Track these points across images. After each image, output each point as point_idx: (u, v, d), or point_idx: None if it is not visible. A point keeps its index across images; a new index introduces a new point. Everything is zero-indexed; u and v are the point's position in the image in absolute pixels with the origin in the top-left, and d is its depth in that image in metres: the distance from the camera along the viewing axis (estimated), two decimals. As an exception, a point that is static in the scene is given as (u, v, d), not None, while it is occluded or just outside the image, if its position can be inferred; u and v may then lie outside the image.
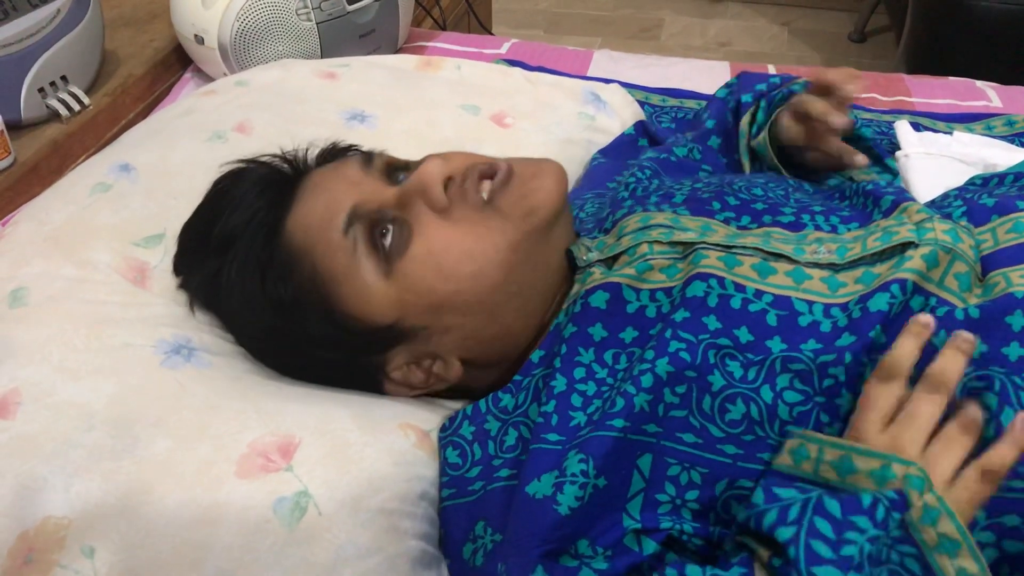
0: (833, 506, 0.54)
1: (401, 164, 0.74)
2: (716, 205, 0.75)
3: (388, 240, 0.68)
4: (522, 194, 0.69)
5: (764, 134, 0.90)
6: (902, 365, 0.58)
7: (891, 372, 0.58)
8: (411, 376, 0.72)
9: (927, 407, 0.57)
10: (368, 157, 0.74)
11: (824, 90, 0.84)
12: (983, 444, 0.56)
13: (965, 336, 0.58)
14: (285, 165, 0.77)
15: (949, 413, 0.57)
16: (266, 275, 0.69)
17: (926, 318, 0.59)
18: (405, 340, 0.70)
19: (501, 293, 0.69)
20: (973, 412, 0.56)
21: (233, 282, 0.71)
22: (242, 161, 0.77)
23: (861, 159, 0.85)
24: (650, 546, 0.60)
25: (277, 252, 0.69)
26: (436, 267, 0.67)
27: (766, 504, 0.55)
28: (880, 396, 0.58)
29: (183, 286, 0.78)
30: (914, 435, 0.56)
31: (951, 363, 0.57)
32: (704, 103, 1.18)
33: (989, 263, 0.66)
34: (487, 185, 0.70)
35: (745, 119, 0.94)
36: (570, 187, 1.01)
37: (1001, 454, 0.54)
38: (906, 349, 0.58)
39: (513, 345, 0.73)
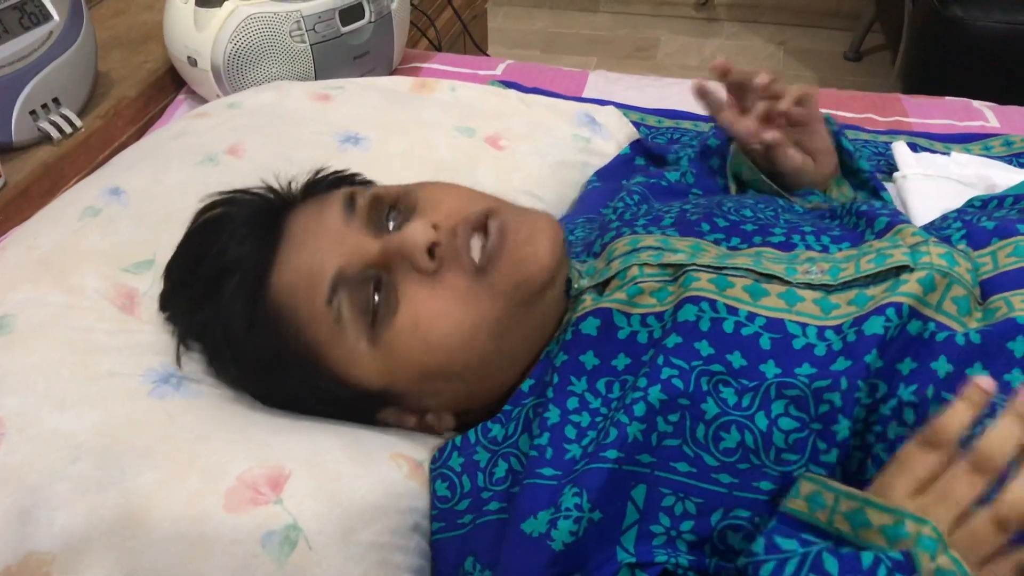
0: (831, 564, 0.51)
1: (389, 199, 0.70)
2: (705, 226, 0.74)
3: (372, 301, 0.65)
4: (514, 263, 0.65)
5: (738, 155, 0.91)
6: (949, 434, 0.53)
7: (937, 440, 0.53)
8: (403, 421, 0.72)
9: (965, 489, 0.52)
10: (351, 199, 0.69)
11: (740, 92, 0.88)
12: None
13: None
14: (271, 195, 0.75)
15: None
16: (251, 333, 0.67)
17: (988, 383, 0.53)
18: (394, 402, 0.70)
19: (492, 357, 0.67)
20: (1014, 507, 0.50)
21: (219, 340, 0.69)
22: (226, 193, 0.75)
23: (772, 135, 0.87)
24: (645, 581, 0.59)
25: (261, 310, 0.67)
26: (423, 340, 0.65)
27: (765, 555, 0.53)
28: (918, 461, 0.54)
29: (171, 320, 0.77)
30: (943, 513, 0.51)
31: (1005, 437, 0.51)
32: (701, 124, 1.18)
33: (990, 287, 0.65)
34: (476, 244, 0.66)
35: (733, 143, 0.94)
36: (564, 210, 1.01)
37: None
38: (958, 418, 0.53)
39: (508, 387, 0.71)
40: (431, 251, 0.65)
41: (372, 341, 0.65)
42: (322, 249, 0.66)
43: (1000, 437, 0.51)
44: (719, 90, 0.90)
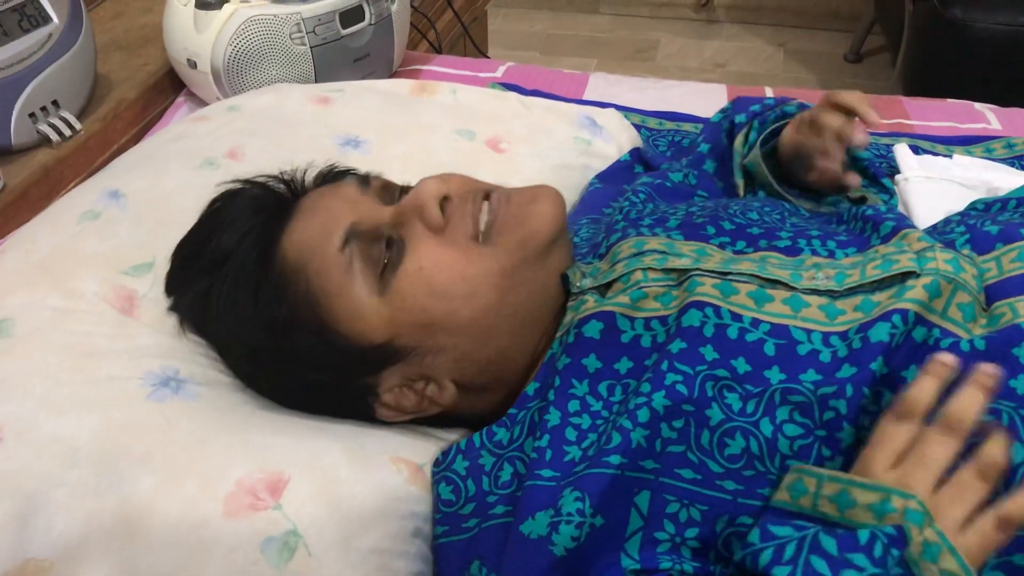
0: (829, 544, 0.52)
1: (397, 187, 0.74)
2: (711, 230, 0.73)
3: (383, 257, 0.67)
4: (519, 220, 0.69)
5: (756, 152, 0.90)
6: (919, 405, 0.56)
7: (907, 411, 0.56)
8: (403, 399, 0.71)
9: (939, 449, 0.54)
10: (365, 179, 0.74)
11: (837, 109, 0.85)
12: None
13: (987, 370, 0.55)
14: (282, 186, 0.76)
15: (968, 451, 0.55)
16: (259, 293, 0.68)
17: (948, 357, 0.57)
18: (398, 360, 0.69)
19: (495, 315, 0.68)
20: (992, 457, 0.53)
21: (225, 300, 0.70)
22: (238, 181, 0.77)
23: (855, 180, 0.86)
24: (649, 588, 0.59)
25: (271, 270, 0.68)
26: (427, 285, 0.66)
27: (762, 543, 0.54)
28: (892, 434, 0.56)
29: (174, 307, 0.77)
30: (924, 476, 0.54)
31: (969, 402, 0.55)
32: (699, 127, 1.18)
33: (994, 293, 0.65)
34: (485, 207, 0.70)
35: (739, 139, 0.94)
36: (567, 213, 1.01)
37: (1020, 504, 0.51)
38: (924, 389, 0.56)
39: (508, 369, 0.71)
40: (441, 206, 0.68)
41: (379, 292, 0.67)
42: (336, 210, 0.69)
43: (966, 400, 0.54)
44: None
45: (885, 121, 1.25)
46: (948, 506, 0.52)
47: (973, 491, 0.53)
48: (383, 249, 0.68)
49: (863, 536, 0.51)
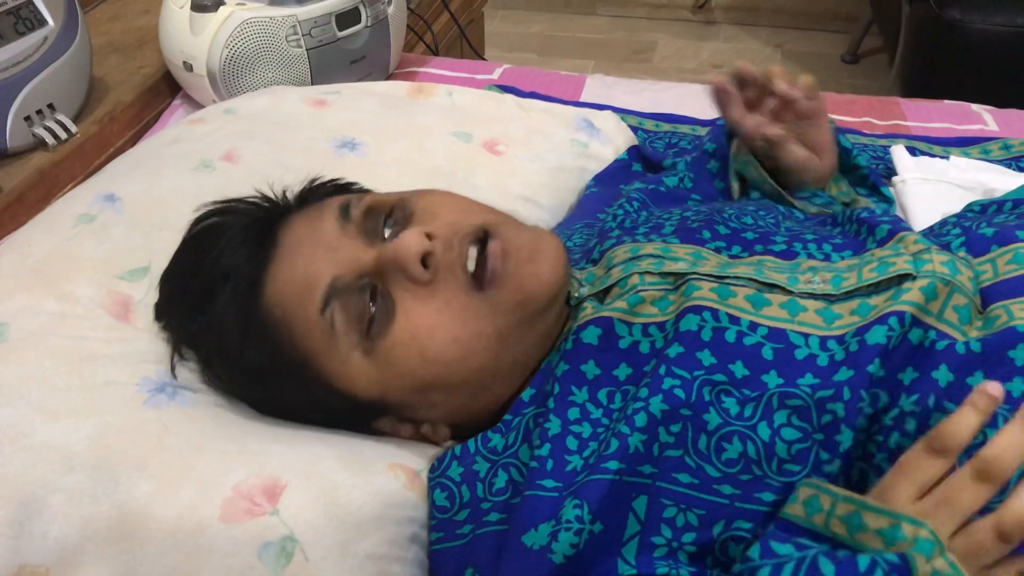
0: (827, 568, 0.50)
1: (385, 209, 0.69)
2: (706, 234, 0.73)
3: (367, 310, 0.64)
4: (516, 284, 0.65)
5: (745, 153, 0.91)
6: (955, 440, 0.52)
7: (942, 445, 0.52)
8: (399, 430, 0.71)
9: (969, 496, 0.51)
10: (346, 208, 0.69)
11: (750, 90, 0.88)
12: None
13: None
14: (266, 205, 0.74)
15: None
16: (245, 344, 0.67)
17: (996, 389, 0.52)
18: (390, 412, 0.69)
19: (489, 373, 0.67)
20: (1017, 518, 0.49)
21: (212, 349, 0.69)
22: (221, 203, 0.75)
23: (775, 130, 0.87)
24: (645, 593, 0.59)
25: (255, 319, 0.66)
26: (419, 352, 0.64)
27: (761, 560, 0.53)
28: (921, 468, 0.53)
29: (165, 329, 0.76)
30: (944, 520, 0.51)
31: (1011, 446, 0.50)
32: (699, 128, 1.18)
33: (989, 295, 0.64)
34: (472, 255, 0.65)
35: (735, 142, 0.93)
36: (563, 216, 1.00)
37: None
38: (964, 424, 0.52)
39: (504, 402, 0.70)
40: (424, 261, 0.64)
41: (366, 351, 0.65)
42: (316, 258, 0.66)
43: (1007, 445, 0.50)
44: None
45: (882, 123, 1.25)
46: (960, 560, 0.49)
47: (990, 551, 0.50)
48: (367, 301, 0.65)
49: (863, 563, 0.49)
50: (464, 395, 0.68)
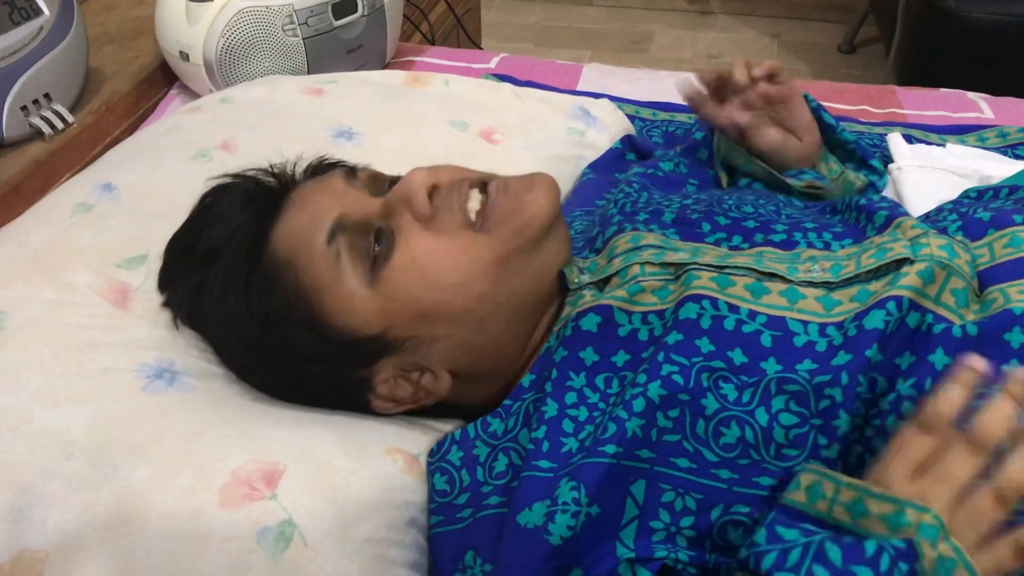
0: (835, 553, 0.50)
1: (386, 177, 0.73)
2: (706, 227, 0.74)
3: (372, 249, 0.67)
4: (514, 209, 0.68)
5: (726, 142, 0.92)
6: (944, 416, 0.53)
7: (931, 422, 0.54)
8: (398, 390, 0.70)
9: (962, 468, 0.52)
10: (352, 171, 0.73)
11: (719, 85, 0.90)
12: None
13: (1021, 378, 0.52)
14: (271, 179, 0.76)
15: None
16: (250, 288, 0.68)
17: (979, 362, 0.54)
18: (392, 351, 0.68)
19: (489, 303, 0.68)
20: (1015, 482, 0.50)
21: (216, 296, 0.70)
22: (228, 175, 0.76)
23: (742, 116, 0.89)
24: (644, 576, 0.59)
25: (261, 265, 0.68)
26: (420, 275, 0.66)
27: (768, 545, 0.53)
28: (913, 444, 0.54)
29: (167, 302, 0.77)
30: (941, 494, 0.51)
31: (1000, 417, 0.52)
32: (693, 116, 1.18)
33: (986, 278, 0.65)
34: (476, 195, 0.69)
35: (717, 133, 0.94)
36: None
37: None
38: (950, 399, 0.53)
39: (503, 358, 0.71)
40: (430, 196, 0.67)
41: (370, 283, 0.66)
42: (323, 202, 0.69)
43: (995, 416, 0.52)
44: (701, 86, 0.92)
45: (879, 111, 1.25)
46: (961, 530, 0.50)
47: (989, 517, 0.51)
48: (372, 241, 0.67)
49: (870, 548, 0.50)
50: (465, 328, 0.68)
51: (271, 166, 0.77)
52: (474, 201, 0.69)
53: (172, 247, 0.77)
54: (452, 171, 0.71)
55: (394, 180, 0.72)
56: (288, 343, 0.69)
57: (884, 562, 0.49)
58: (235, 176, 0.76)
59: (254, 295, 0.68)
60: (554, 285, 0.72)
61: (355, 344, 0.68)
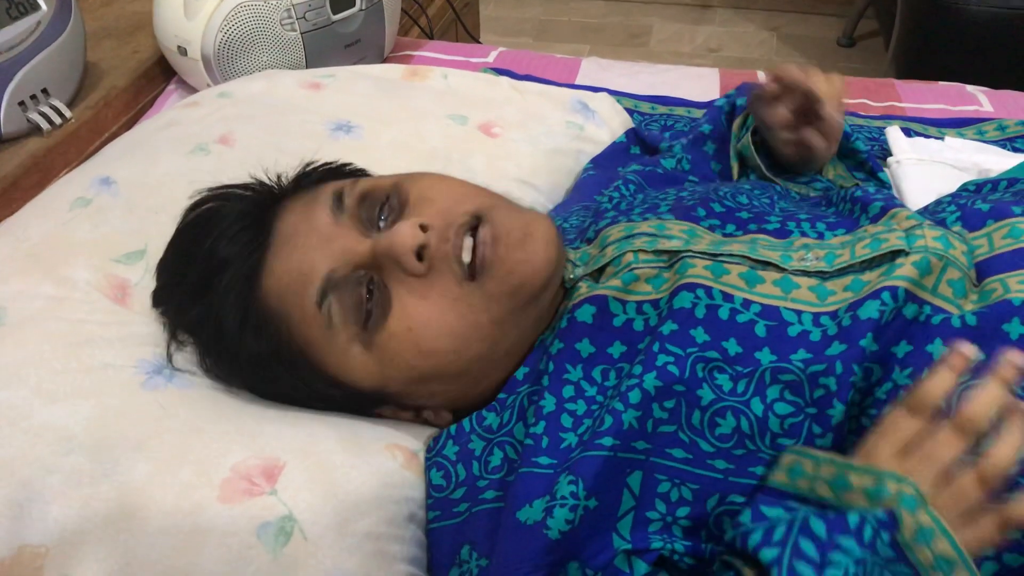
0: (819, 526, 0.51)
1: (379, 195, 0.68)
2: (701, 212, 0.73)
3: (366, 306, 0.64)
4: (508, 269, 0.64)
5: (748, 136, 0.91)
6: (932, 399, 0.54)
7: (919, 404, 0.54)
8: (400, 415, 0.72)
9: (947, 450, 0.53)
10: (339, 197, 0.68)
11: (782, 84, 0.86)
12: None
13: (1012, 360, 0.53)
14: (260, 190, 0.74)
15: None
16: (244, 333, 0.67)
17: (968, 348, 0.55)
18: (390, 401, 0.69)
19: (486, 361, 0.67)
20: (998, 465, 0.51)
21: (211, 336, 0.69)
22: (216, 189, 0.74)
23: (817, 139, 0.87)
24: (641, 567, 0.59)
25: (253, 309, 0.66)
26: (415, 345, 0.64)
27: (752, 523, 0.54)
28: (900, 426, 0.55)
29: (163, 315, 0.76)
30: (927, 475, 0.53)
31: (987, 401, 0.53)
32: (694, 110, 1.18)
33: (985, 269, 0.65)
34: (468, 244, 0.65)
35: (737, 122, 0.94)
36: (559, 198, 1.00)
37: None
38: (939, 382, 0.54)
39: (503, 381, 0.70)
40: (420, 254, 0.64)
41: (364, 344, 0.65)
42: (311, 250, 0.65)
43: (983, 400, 0.53)
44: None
45: (877, 104, 1.25)
46: (945, 510, 0.51)
47: (972, 498, 0.52)
48: (363, 294, 0.64)
49: (853, 519, 0.51)
50: (462, 384, 0.68)
51: (256, 181, 0.75)
52: (467, 252, 0.65)
53: (163, 271, 0.75)
54: (441, 210, 0.66)
55: (387, 197, 0.68)
56: (285, 384, 0.69)
57: (867, 532, 0.50)
58: (222, 189, 0.74)
59: (248, 339, 0.66)
60: (551, 315, 0.71)
61: (351, 395, 0.68)
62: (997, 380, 0.53)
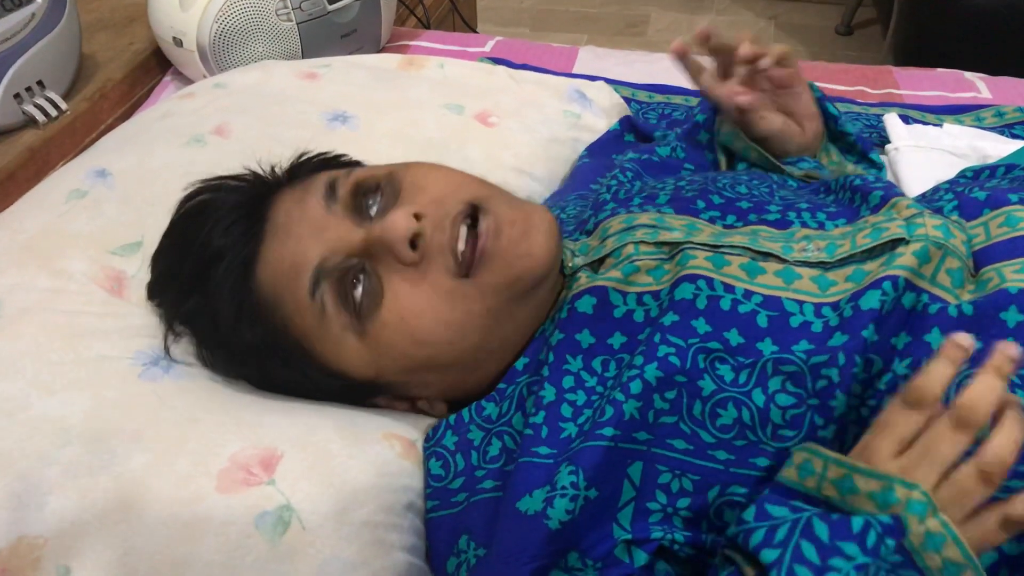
0: (822, 529, 0.50)
1: (372, 184, 0.68)
2: (700, 204, 0.73)
3: (358, 295, 0.64)
4: (506, 262, 0.64)
5: (727, 126, 0.91)
6: (931, 393, 0.52)
7: (917, 399, 0.53)
8: (395, 406, 0.72)
9: (947, 446, 0.51)
10: (332, 186, 0.68)
11: (724, 59, 0.88)
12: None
13: (1005, 351, 0.52)
14: (254, 181, 0.74)
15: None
16: (239, 324, 0.67)
17: (965, 339, 0.53)
18: (385, 391, 0.69)
19: (482, 351, 0.67)
20: (998, 458, 0.50)
21: (207, 327, 0.69)
22: (209, 180, 0.74)
23: (745, 97, 0.87)
24: (641, 557, 0.59)
25: (248, 302, 0.66)
26: (409, 334, 0.64)
27: (756, 522, 0.53)
28: (899, 421, 0.53)
29: (159, 307, 0.76)
30: (927, 472, 0.51)
31: (985, 392, 0.51)
32: (691, 98, 1.17)
33: (982, 258, 0.65)
34: (463, 234, 0.65)
35: (719, 115, 0.93)
36: (555, 187, 1.00)
37: None
38: (937, 375, 0.52)
39: (501, 373, 0.70)
40: (413, 243, 0.63)
41: (358, 333, 0.65)
42: (304, 239, 0.65)
43: (980, 393, 0.51)
44: (703, 59, 0.90)
45: (875, 91, 1.25)
46: (946, 507, 0.50)
47: (974, 494, 0.51)
48: (356, 284, 0.64)
49: (856, 524, 0.50)
50: (457, 373, 0.68)
51: (250, 172, 0.74)
52: (462, 242, 0.65)
53: (158, 263, 0.75)
54: (436, 198, 0.66)
55: (379, 186, 0.68)
56: (280, 374, 0.69)
57: (871, 538, 0.49)
58: (216, 180, 0.74)
59: (243, 330, 0.67)
60: (550, 306, 0.71)
61: (346, 385, 0.68)
62: (993, 371, 0.52)
